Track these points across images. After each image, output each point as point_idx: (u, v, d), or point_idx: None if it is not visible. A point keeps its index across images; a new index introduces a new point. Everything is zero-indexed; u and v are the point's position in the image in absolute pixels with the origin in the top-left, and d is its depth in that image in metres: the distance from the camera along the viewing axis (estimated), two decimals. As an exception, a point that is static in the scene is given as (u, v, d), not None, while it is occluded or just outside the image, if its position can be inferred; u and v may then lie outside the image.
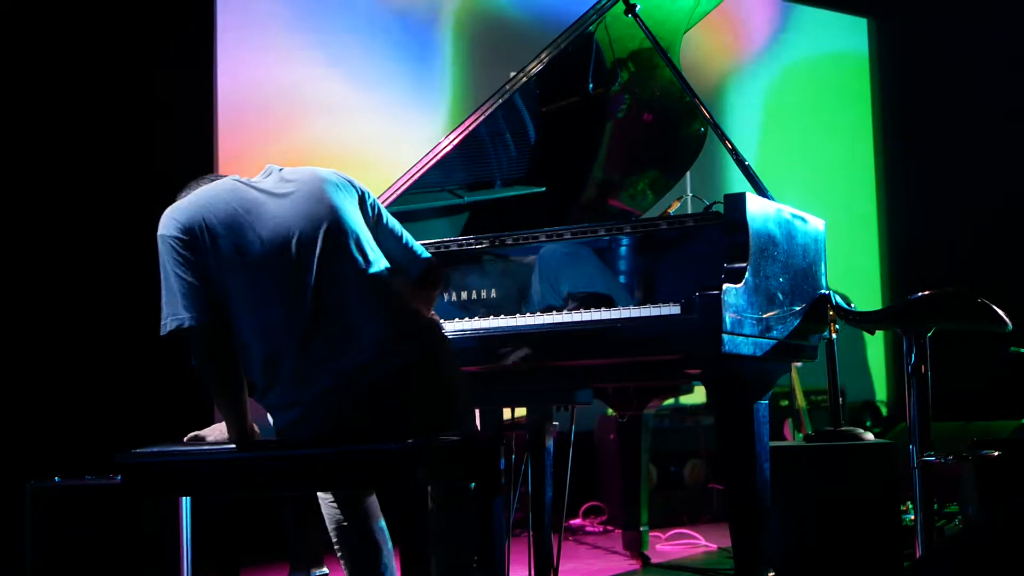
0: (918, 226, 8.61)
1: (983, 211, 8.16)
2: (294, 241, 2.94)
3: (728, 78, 8.26)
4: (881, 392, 8.50)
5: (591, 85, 4.46)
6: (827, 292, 3.83)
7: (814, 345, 3.85)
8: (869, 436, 4.51)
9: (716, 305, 3.21)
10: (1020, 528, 2.40)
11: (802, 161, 8.25)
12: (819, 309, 3.79)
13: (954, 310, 3.75)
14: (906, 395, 3.82)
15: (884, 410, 8.26)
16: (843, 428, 4.61)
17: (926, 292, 3.68)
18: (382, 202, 3.93)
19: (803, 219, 3.77)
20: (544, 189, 4.48)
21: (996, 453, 3.95)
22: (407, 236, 3.26)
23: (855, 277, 8.40)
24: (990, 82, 8.35)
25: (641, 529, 4.92)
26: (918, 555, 3.84)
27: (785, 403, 7.01)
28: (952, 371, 7.27)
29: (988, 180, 8.20)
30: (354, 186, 3.15)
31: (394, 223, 3.24)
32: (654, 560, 5.11)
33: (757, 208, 3.48)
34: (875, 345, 8.53)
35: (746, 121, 8.23)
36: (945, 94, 8.48)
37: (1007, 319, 3.68)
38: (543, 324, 3.51)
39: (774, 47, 8.50)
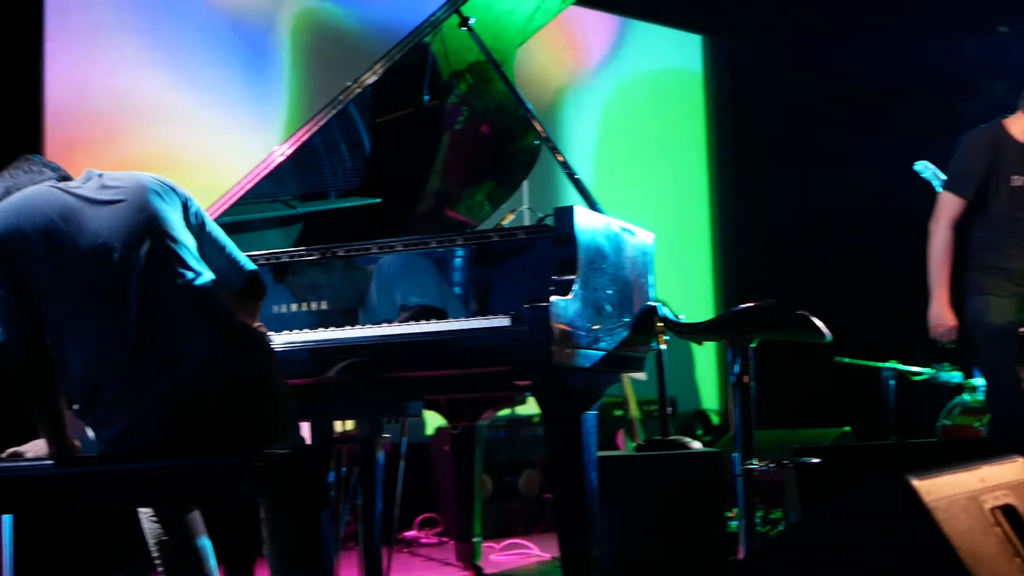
0: (748, 240, 8.85)
1: (811, 226, 8.42)
2: (115, 253, 2.87)
3: (565, 92, 8.35)
4: (712, 402, 8.69)
5: (427, 97, 4.47)
6: (655, 304, 3.91)
7: (642, 356, 3.93)
8: (697, 445, 4.62)
9: (544, 317, 3.25)
10: (836, 530, 2.48)
11: (637, 175, 8.39)
12: (647, 321, 3.87)
13: (775, 322, 3.87)
14: (730, 404, 3.92)
15: (715, 419, 8.45)
16: (672, 437, 4.71)
17: (749, 304, 3.79)
18: (214, 212, 3.88)
19: (632, 232, 3.84)
20: (380, 200, 4.47)
21: (816, 460, 4.07)
22: (230, 246, 3.20)
23: (689, 289, 8.58)
24: (819, 98, 8.62)
25: (474, 540, 4.92)
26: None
27: (619, 413, 7.12)
28: (779, 380, 7.50)
29: (816, 195, 8.46)
30: (176, 193, 3.08)
31: (218, 232, 3.18)
32: (487, 571, 5.12)
33: (586, 221, 3.53)
34: (707, 356, 8.72)
35: (582, 135, 8.33)
36: (775, 111, 8.72)
37: (826, 331, 3.81)
38: (374, 336, 3.51)
39: (611, 62, 8.63)
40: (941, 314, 4.91)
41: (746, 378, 3.84)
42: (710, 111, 9.14)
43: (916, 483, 2.34)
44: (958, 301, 5.03)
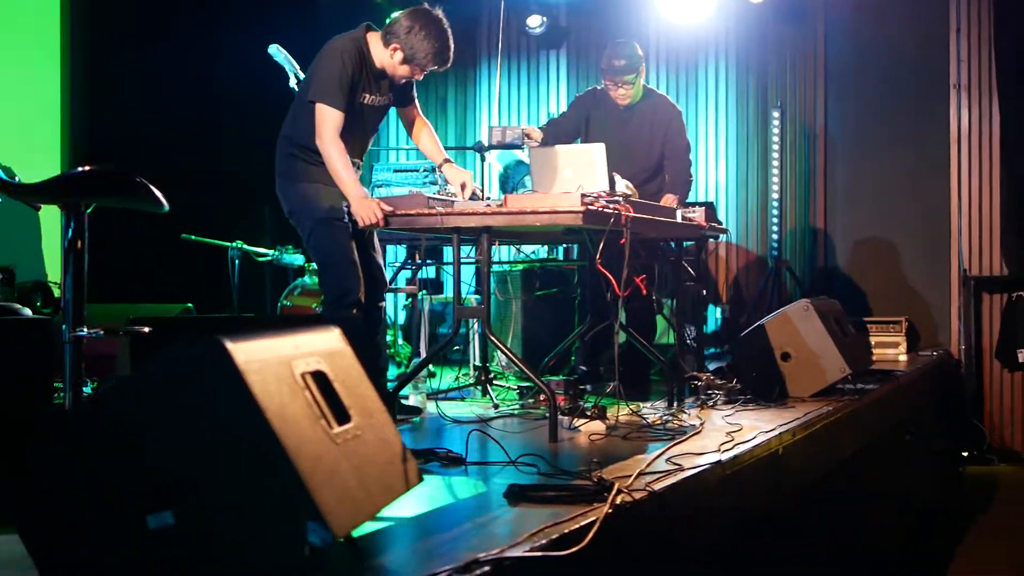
0: (102, 108, 8.51)
1: (169, 101, 8.30)
2: None
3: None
4: (57, 274, 8.39)
5: None
6: (-13, 162, 3.72)
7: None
8: (27, 312, 4.47)
9: None
10: (150, 390, 2.50)
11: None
12: (-26, 179, 3.67)
13: (112, 187, 3.80)
14: (62, 271, 3.82)
15: (58, 291, 8.18)
16: (2, 304, 4.52)
17: (85, 167, 3.69)
18: None
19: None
20: None
21: (147, 329, 4.08)
22: None
23: (34, 152, 8.17)
24: None
25: None
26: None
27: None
28: (126, 256, 7.43)
29: (175, 69, 8.33)
30: None
31: None
32: None
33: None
34: (54, 224, 8.38)
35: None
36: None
37: (164, 201, 3.81)
38: None
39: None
40: (371, 205, 4.97)
41: (80, 244, 3.75)
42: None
43: (229, 344, 2.42)
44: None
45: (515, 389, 6.25)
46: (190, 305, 6.82)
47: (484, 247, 4.97)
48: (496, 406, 5.88)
